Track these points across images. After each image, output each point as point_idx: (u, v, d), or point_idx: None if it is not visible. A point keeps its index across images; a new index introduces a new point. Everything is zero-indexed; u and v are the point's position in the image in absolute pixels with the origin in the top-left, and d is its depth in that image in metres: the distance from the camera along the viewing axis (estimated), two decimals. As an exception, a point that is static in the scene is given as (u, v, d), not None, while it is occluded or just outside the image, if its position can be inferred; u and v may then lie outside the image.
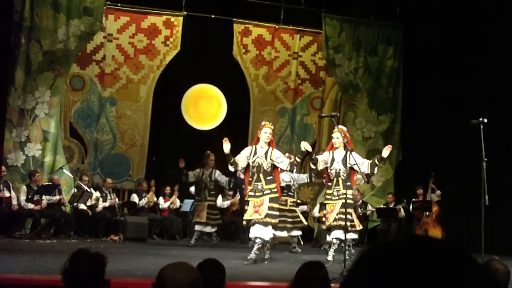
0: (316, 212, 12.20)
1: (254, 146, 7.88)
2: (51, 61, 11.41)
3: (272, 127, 8.02)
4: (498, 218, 10.38)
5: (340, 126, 8.05)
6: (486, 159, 7.26)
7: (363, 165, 7.60)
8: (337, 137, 7.67)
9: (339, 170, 7.67)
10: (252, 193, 7.72)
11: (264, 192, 7.68)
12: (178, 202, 11.89)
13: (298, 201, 11.53)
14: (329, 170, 7.73)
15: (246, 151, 7.89)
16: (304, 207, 12.37)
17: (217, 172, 10.13)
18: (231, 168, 7.95)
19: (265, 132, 7.77)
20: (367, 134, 13.05)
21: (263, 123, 8.06)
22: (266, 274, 6.45)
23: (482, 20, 10.91)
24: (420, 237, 0.84)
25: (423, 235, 0.88)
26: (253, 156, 7.76)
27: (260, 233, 7.64)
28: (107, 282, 2.86)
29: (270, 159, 7.71)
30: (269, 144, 7.81)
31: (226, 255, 8.07)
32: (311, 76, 13.40)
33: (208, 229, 10.19)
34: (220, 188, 10.98)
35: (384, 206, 12.09)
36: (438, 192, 11.36)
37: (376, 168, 7.72)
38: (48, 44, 11.40)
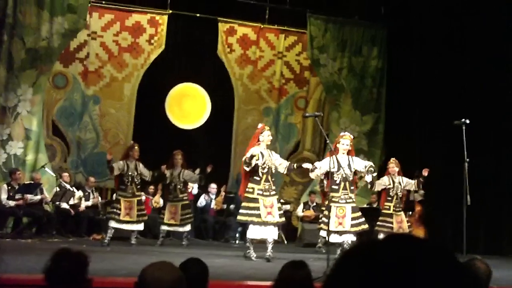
0: (299, 211, 12.23)
1: (258, 149, 8.05)
2: (34, 58, 11.30)
3: (267, 128, 8.35)
4: (483, 218, 10.50)
5: (348, 134, 8.54)
6: (468, 160, 7.34)
7: (368, 176, 8.13)
8: (347, 144, 8.18)
9: (346, 174, 7.97)
10: (261, 192, 7.97)
11: (271, 193, 8.02)
12: (161, 201, 11.85)
13: (282, 200, 11.56)
14: (335, 175, 7.93)
15: (255, 151, 8.07)
16: (288, 207, 12.39)
17: (186, 171, 9.88)
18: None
19: (268, 135, 8.12)
20: (351, 134, 13.07)
21: (260, 125, 8.35)
22: (250, 273, 6.45)
23: (466, 20, 11.00)
24: (402, 236, 0.84)
25: (405, 234, 0.89)
26: (262, 158, 8.00)
27: (265, 234, 7.96)
28: (89, 281, 2.84)
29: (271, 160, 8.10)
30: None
31: (210, 254, 8.08)
32: (295, 76, 13.42)
33: (181, 229, 9.95)
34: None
35: (368, 206, 12.14)
36: (421, 191, 11.43)
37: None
38: (31, 41, 11.29)
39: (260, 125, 8.33)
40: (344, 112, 13.09)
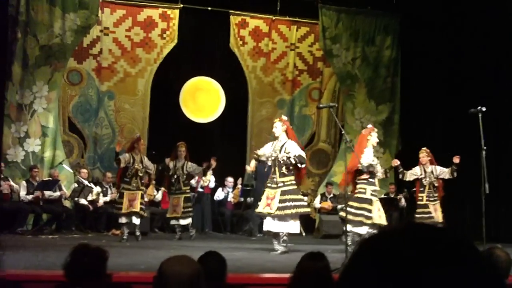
0: (317, 203, 12.22)
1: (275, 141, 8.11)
2: (48, 55, 11.38)
3: (277, 120, 8.27)
4: (503, 206, 10.42)
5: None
6: (485, 148, 7.27)
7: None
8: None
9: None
10: (269, 185, 7.96)
11: (278, 185, 7.85)
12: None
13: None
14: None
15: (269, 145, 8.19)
16: (305, 198, 12.38)
17: (189, 163, 9.80)
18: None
19: (274, 127, 8.11)
20: (366, 124, 12.96)
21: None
22: (269, 266, 6.46)
23: (480, 5, 10.87)
24: (419, 224, 0.83)
25: (422, 222, 0.88)
26: (272, 149, 8.00)
27: (272, 226, 7.85)
28: (108, 276, 2.87)
29: (285, 152, 7.87)
30: (288, 137, 8.03)
31: (228, 247, 8.10)
32: (308, 67, 13.37)
33: (183, 222, 9.87)
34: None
35: (385, 196, 12.09)
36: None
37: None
38: (44, 38, 11.37)
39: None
40: (359, 102, 13.02)
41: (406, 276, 0.75)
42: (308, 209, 8.57)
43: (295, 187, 7.93)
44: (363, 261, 0.80)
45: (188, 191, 10.07)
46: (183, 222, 9.85)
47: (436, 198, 9.15)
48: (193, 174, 10.14)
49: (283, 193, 7.78)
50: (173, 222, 10.05)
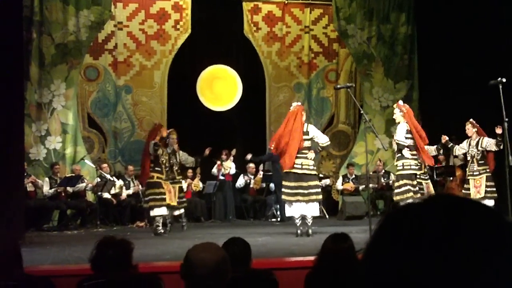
0: (339, 184, 12.19)
1: None
2: (64, 53, 11.48)
3: (293, 104, 8.54)
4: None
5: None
6: (507, 119, 7.18)
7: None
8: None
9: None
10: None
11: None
12: (201, 184, 11.94)
13: (321, 175, 11.54)
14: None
15: None
16: (327, 181, 12.37)
17: (181, 152, 9.34)
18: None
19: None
20: (385, 103, 12.93)
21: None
22: (293, 249, 6.47)
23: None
24: (447, 196, 0.81)
25: (449, 194, 0.86)
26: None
27: (292, 212, 8.02)
28: (134, 267, 2.89)
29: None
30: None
31: (252, 232, 8.14)
32: (324, 49, 13.29)
33: (177, 212, 9.28)
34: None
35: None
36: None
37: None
38: (59, 36, 11.46)
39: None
40: (376, 81, 12.92)
41: (433, 247, 0.73)
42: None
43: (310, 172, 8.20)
44: (389, 233, 0.79)
45: (182, 180, 9.84)
46: (177, 212, 9.24)
47: (479, 172, 8.89)
48: (184, 163, 9.69)
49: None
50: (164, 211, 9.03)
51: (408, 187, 8.10)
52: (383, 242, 0.79)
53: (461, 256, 0.73)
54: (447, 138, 9.14)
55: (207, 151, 9.72)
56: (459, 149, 9.12)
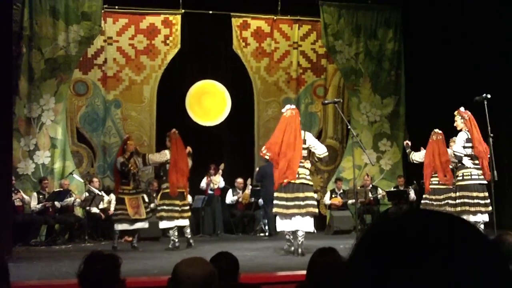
0: (327, 199, 12.23)
1: None
2: (53, 68, 11.48)
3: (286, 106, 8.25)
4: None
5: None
6: (492, 135, 7.27)
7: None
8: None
9: None
10: None
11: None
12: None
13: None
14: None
15: None
16: (315, 195, 12.38)
17: (138, 159, 9.10)
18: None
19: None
20: (372, 118, 13.03)
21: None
22: (281, 264, 6.48)
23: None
24: (425, 211, 0.83)
25: (428, 210, 0.88)
26: None
27: (284, 226, 7.74)
28: (122, 282, 2.90)
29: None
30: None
31: (241, 247, 8.14)
32: (312, 64, 13.38)
33: (146, 225, 9.21)
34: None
35: (395, 189, 12.10)
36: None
37: None
38: (49, 51, 11.47)
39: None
40: (364, 96, 13.02)
41: (411, 261, 0.75)
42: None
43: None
44: (367, 247, 0.80)
45: (142, 190, 9.62)
46: (146, 225, 9.18)
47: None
48: (142, 171, 9.52)
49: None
50: (133, 227, 9.01)
51: (465, 199, 7.85)
52: (362, 256, 0.81)
53: (439, 270, 0.74)
54: (409, 142, 9.37)
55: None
56: (416, 155, 9.23)
